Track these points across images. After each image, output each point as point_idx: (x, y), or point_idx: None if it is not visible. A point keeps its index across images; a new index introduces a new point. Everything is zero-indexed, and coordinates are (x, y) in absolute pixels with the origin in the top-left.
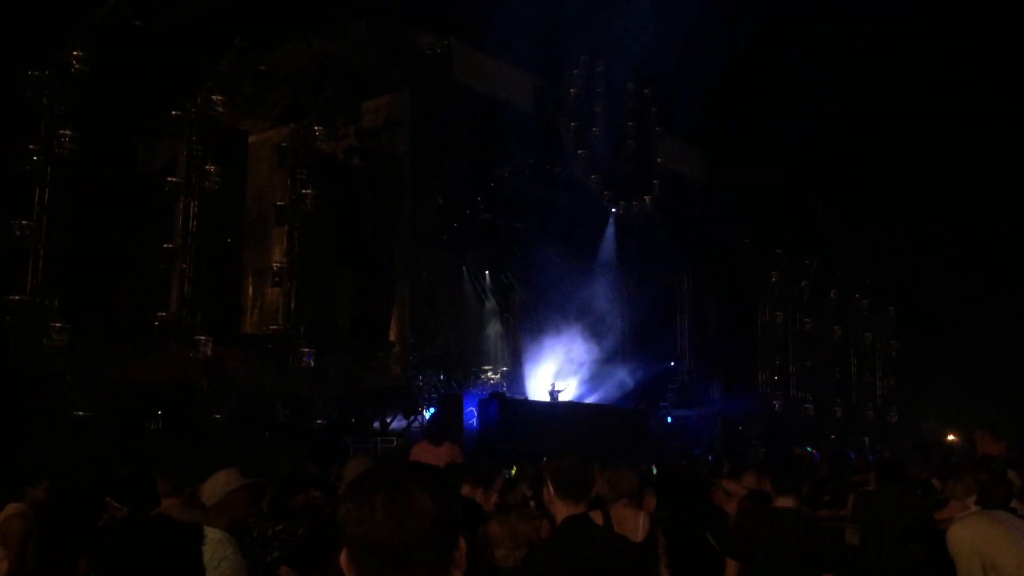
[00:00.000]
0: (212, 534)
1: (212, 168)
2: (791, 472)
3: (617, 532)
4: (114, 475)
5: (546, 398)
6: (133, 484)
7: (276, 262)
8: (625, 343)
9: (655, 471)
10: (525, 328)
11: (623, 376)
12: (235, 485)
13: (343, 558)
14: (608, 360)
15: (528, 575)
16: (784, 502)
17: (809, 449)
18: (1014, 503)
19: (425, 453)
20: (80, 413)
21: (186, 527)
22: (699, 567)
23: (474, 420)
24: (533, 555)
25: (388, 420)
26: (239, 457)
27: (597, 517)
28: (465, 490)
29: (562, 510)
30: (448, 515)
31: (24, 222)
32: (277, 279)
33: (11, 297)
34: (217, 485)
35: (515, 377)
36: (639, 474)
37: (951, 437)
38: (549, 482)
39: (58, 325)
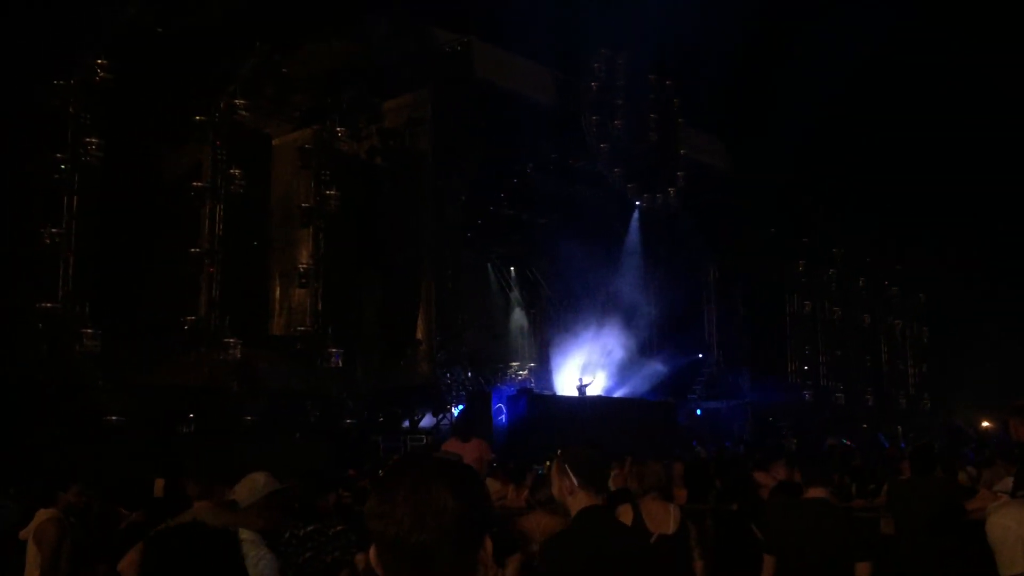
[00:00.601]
0: (244, 535)
1: (236, 172)
2: (821, 462)
3: (649, 526)
4: (122, 481)
5: (574, 393)
6: (138, 489)
7: (302, 263)
8: (652, 336)
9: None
10: (551, 323)
11: (651, 369)
12: (273, 488)
13: (372, 554)
14: (636, 353)
15: (542, 568)
16: (815, 492)
17: (845, 441)
18: None
19: (453, 450)
20: (113, 418)
21: (224, 533)
22: (743, 559)
23: (503, 416)
24: (548, 547)
25: (417, 418)
26: (270, 458)
27: (627, 511)
28: (496, 487)
29: (583, 500)
30: (471, 514)
31: (54, 230)
32: (303, 280)
33: (43, 304)
34: (256, 487)
35: (543, 372)
36: (666, 467)
37: (985, 424)
38: (571, 473)
39: (89, 331)
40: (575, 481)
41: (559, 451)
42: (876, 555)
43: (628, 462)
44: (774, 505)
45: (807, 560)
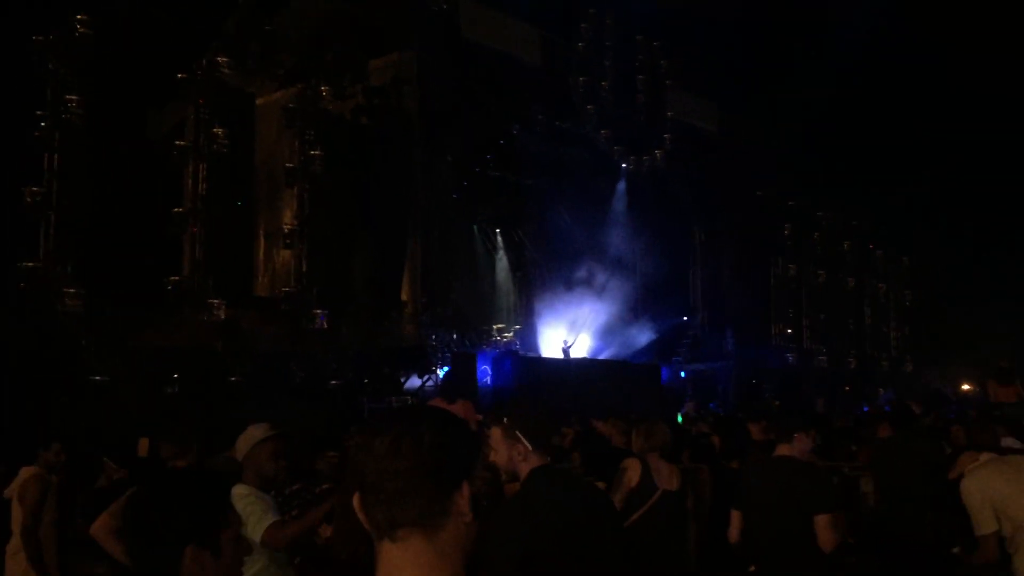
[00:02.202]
0: (238, 489)
1: (220, 131)
2: (786, 419)
3: (655, 480)
4: (107, 441)
5: (559, 355)
6: (123, 449)
7: (287, 224)
8: (638, 298)
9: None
10: (537, 285)
11: (636, 331)
12: (259, 437)
13: (356, 500)
14: (621, 315)
15: (495, 534)
16: (781, 450)
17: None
18: None
19: None
20: (97, 378)
21: (209, 473)
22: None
23: (488, 378)
24: (503, 510)
25: (402, 380)
26: (255, 419)
27: (636, 466)
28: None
29: (534, 462)
30: (448, 451)
31: (35, 189)
32: (288, 241)
33: (25, 264)
34: (246, 439)
35: (528, 335)
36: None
37: (965, 386)
38: (521, 437)
39: (72, 290)
40: (528, 446)
41: (504, 418)
42: (837, 507)
43: (610, 421)
44: (745, 463)
45: (771, 515)
